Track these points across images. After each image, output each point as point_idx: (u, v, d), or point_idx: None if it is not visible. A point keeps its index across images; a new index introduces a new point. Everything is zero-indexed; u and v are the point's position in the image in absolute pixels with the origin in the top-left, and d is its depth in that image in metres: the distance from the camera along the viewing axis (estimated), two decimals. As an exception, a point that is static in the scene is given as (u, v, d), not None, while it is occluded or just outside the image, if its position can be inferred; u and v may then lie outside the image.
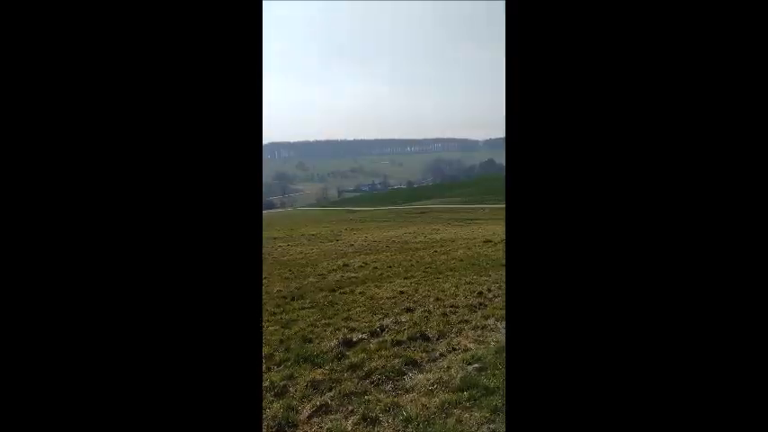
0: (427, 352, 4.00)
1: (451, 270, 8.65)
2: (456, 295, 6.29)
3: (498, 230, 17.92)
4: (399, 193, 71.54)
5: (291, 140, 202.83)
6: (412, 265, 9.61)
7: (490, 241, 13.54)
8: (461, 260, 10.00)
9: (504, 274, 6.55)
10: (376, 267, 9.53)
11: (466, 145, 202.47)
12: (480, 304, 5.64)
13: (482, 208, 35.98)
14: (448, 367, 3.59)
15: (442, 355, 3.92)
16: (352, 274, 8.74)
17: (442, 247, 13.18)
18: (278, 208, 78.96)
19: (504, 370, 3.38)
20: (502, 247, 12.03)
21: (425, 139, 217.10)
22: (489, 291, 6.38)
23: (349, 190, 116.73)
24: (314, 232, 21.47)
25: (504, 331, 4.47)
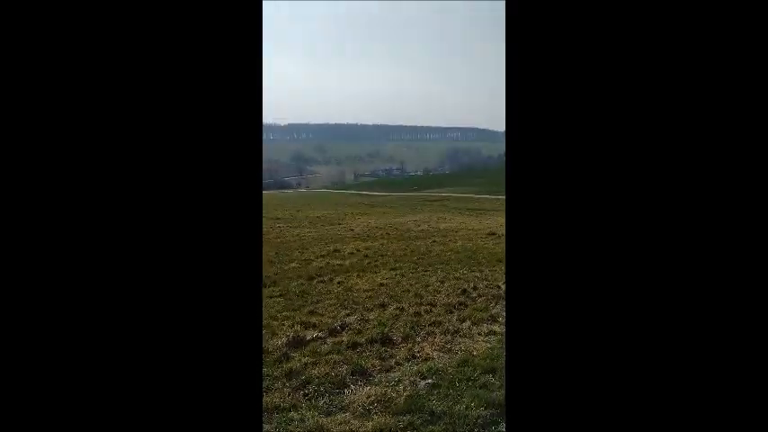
0: (382, 359, 3.50)
1: (444, 262, 8.12)
2: (438, 291, 5.77)
3: (507, 223, 17.24)
4: (416, 179, 70.90)
5: (311, 122, 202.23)
6: (404, 255, 9.10)
7: (494, 234, 12.92)
8: (458, 252, 9.45)
9: (498, 270, 6.06)
10: (366, 255, 9.04)
11: (486, 135, 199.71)
12: (461, 304, 5.11)
13: (496, 199, 35.48)
14: (398, 381, 3.09)
15: (398, 363, 3.42)
16: (339, 262, 8.26)
17: (444, 237, 12.62)
18: (294, 188, 79.02)
19: (461, 387, 2.88)
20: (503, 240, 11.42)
21: (445, 128, 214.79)
22: (475, 289, 5.84)
23: (366, 174, 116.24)
24: (319, 215, 21.05)
25: (478, 338, 3.95)
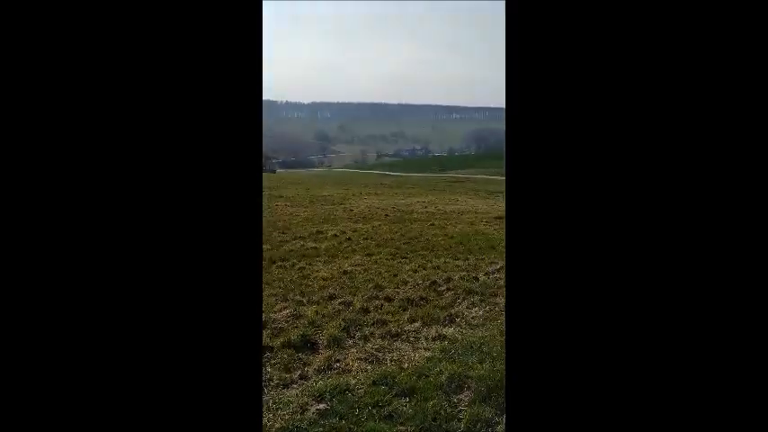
0: (288, 370, 2.86)
1: (431, 248, 7.41)
2: (405, 283, 5.09)
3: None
4: (440, 160, 69.73)
5: (334, 101, 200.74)
6: (392, 239, 8.42)
7: (501, 218, 12.10)
8: (452, 237, 8.71)
9: (486, 258, 5.32)
10: (349, 238, 8.39)
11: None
12: (422, 299, 4.42)
13: None
14: (286, 403, 2.43)
15: (302, 378, 2.78)
16: (315, 245, 7.64)
17: (446, 220, 11.88)
18: (316, 167, 78.80)
19: (358, 416, 2.22)
20: (509, 225, 10.64)
21: (471, 107, 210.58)
22: (448, 281, 5.14)
23: (389, 154, 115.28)
24: (327, 194, 20.49)
25: (420, 344, 3.27)
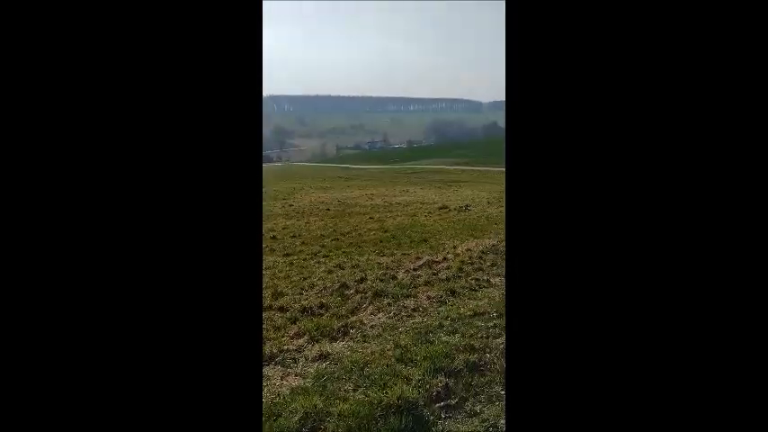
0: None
1: (359, 244, 6.88)
2: (312, 287, 4.53)
3: (472, 195, 16.10)
4: (399, 152, 69.58)
5: (292, 94, 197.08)
6: (321, 236, 7.84)
7: (446, 208, 11.74)
8: (387, 231, 8.22)
9: (413, 252, 4.79)
10: (274, 237, 7.76)
11: (470, 106, 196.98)
12: (322, 307, 3.87)
13: (475, 170, 34.60)
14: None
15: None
16: (232, 246, 6.97)
17: (389, 212, 11.39)
18: (274, 162, 77.21)
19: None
20: (451, 216, 10.26)
21: (429, 99, 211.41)
22: (362, 281, 4.61)
23: (349, 147, 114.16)
24: (276, 189, 19.67)
25: (292, 369, 2.71)
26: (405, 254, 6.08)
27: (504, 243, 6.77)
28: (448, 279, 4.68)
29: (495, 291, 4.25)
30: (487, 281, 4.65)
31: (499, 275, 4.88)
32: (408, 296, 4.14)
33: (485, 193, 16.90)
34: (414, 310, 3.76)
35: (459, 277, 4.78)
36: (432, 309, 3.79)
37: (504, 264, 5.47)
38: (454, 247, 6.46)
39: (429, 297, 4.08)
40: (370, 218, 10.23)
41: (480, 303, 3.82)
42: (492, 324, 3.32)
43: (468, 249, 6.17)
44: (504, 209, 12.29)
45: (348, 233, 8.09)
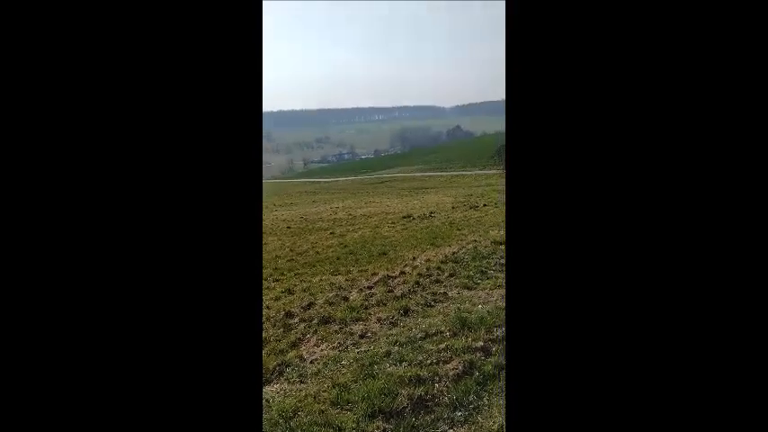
0: None
1: (313, 264, 6.51)
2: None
3: (437, 201, 15.95)
4: (367, 162, 69.51)
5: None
6: (276, 257, 7.45)
7: (409, 217, 11.50)
8: (346, 246, 7.89)
9: (370, 269, 4.40)
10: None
11: (434, 112, 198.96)
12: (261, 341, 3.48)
13: (442, 175, 34.75)
14: None
15: None
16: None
17: (351, 225, 11.07)
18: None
19: None
20: (413, 225, 10.01)
21: (393, 107, 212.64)
22: (309, 307, 4.27)
23: (316, 161, 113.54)
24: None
25: None
26: (362, 270, 5.76)
27: (463, 250, 6.54)
28: (403, 296, 4.38)
29: (451, 305, 3.97)
30: (444, 294, 4.37)
31: (457, 287, 4.61)
32: (358, 320, 3.82)
33: (449, 198, 16.77)
34: (362, 336, 3.44)
35: (415, 292, 4.49)
36: (381, 332, 3.48)
37: (462, 273, 5.23)
38: (413, 259, 6.18)
39: (380, 319, 3.76)
40: (331, 233, 9.88)
41: (434, 322, 3.53)
42: (443, 346, 3.03)
43: (428, 260, 5.90)
44: (466, 213, 12.22)
45: (305, 252, 7.72)
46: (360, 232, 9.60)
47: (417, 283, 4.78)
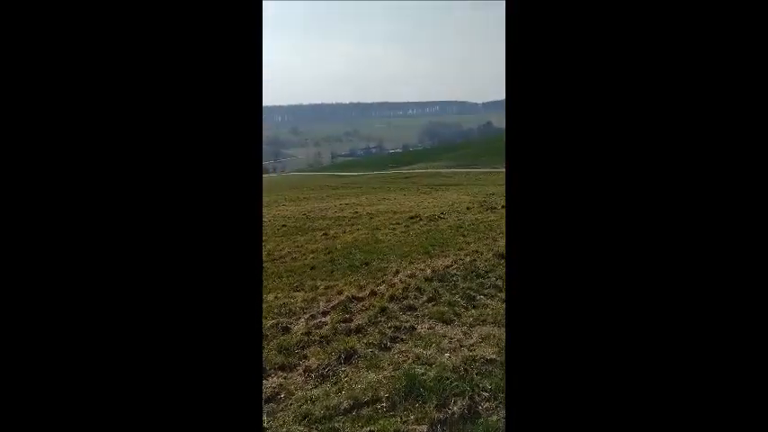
0: None
1: (278, 276, 5.59)
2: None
3: (455, 200, 14.85)
4: (394, 157, 68.81)
5: (284, 104, 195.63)
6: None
7: (417, 217, 10.48)
8: (330, 252, 6.96)
9: (344, 282, 3.44)
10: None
11: (465, 108, 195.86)
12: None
13: (467, 172, 33.62)
14: None
15: None
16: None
17: (351, 225, 10.13)
18: (269, 173, 76.50)
19: None
20: (418, 227, 8.99)
21: (424, 102, 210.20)
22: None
23: (343, 155, 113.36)
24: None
25: None
26: (329, 286, 4.79)
27: (458, 264, 5.49)
28: (358, 329, 3.40)
29: (412, 350, 2.95)
30: (410, 329, 3.36)
31: (431, 318, 3.59)
32: (282, 368, 2.86)
33: (469, 197, 15.63)
34: (269, 399, 2.47)
35: (377, 323, 3.50)
36: (299, 394, 2.50)
37: (445, 297, 4.20)
38: (396, 272, 5.18)
39: (308, 369, 2.79)
40: (324, 234, 8.95)
41: (374, 380, 2.53)
42: (375, 429, 2.04)
43: (412, 275, 4.89)
44: (480, 215, 11.11)
45: (281, 257, 6.82)
46: (355, 234, 8.64)
47: (384, 309, 3.79)
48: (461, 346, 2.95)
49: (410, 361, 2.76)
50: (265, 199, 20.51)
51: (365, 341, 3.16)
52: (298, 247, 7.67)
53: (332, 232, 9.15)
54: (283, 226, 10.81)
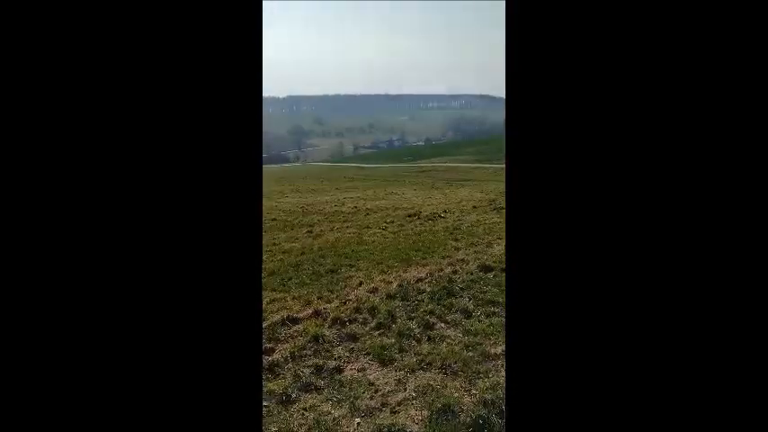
0: None
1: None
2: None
3: (465, 197, 14.02)
4: (416, 149, 67.99)
5: (309, 94, 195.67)
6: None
7: (416, 215, 9.74)
8: (302, 254, 6.28)
9: (302, 291, 3.15)
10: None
11: (490, 102, 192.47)
12: None
13: (486, 167, 32.66)
14: None
15: None
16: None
17: (344, 222, 9.45)
18: (292, 162, 76.42)
19: None
20: (411, 227, 8.24)
21: (448, 95, 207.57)
22: None
23: (365, 146, 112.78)
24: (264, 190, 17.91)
25: None
26: (275, 299, 4.11)
27: (432, 278, 4.74)
28: (271, 368, 2.70)
29: (319, 405, 2.23)
30: (335, 371, 2.63)
31: (367, 355, 2.86)
32: None
33: (480, 194, 14.77)
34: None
35: (299, 359, 2.80)
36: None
37: (396, 324, 3.44)
38: (359, 285, 4.46)
39: None
40: (309, 231, 8.28)
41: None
42: None
43: (373, 290, 4.17)
44: (484, 216, 10.28)
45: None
46: (340, 233, 7.93)
47: (318, 338, 3.08)
48: (383, 406, 2.22)
49: (304, 429, 2.04)
50: (274, 189, 20.03)
51: (270, 387, 2.46)
52: (273, 245, 7.01)
53: (318, 230, 8.47)
54: (273, 220, 10.18)
